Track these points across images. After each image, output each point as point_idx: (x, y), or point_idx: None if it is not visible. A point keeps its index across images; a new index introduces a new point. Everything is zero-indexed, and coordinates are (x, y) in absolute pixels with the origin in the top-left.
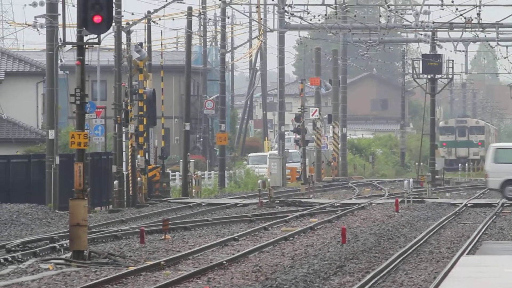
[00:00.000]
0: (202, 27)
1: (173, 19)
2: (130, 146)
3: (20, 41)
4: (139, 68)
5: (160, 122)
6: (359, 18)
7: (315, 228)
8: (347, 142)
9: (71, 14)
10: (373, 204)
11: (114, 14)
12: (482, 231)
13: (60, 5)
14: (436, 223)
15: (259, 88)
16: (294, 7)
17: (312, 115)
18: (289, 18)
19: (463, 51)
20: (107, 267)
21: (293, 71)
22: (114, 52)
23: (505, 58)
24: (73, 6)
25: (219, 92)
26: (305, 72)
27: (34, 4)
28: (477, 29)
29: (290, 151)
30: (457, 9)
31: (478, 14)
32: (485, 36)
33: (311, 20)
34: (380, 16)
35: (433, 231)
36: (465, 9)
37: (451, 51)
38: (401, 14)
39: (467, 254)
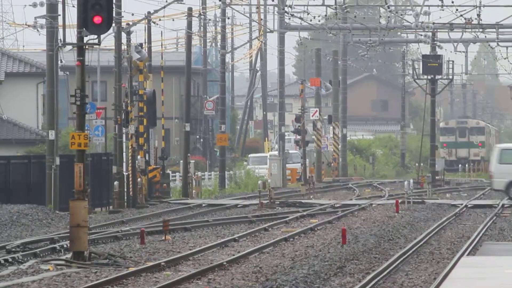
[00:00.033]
0: (202, 27)
1: (173, 20)
2: (130, 147)
3: (20, 41)
4: (139, 69)
5: (160, 122)
6: (359, 18)
7: (316, 229)
8: (347, 143)
9: (71, 15)
10: (373, 205)
11: (114, 14)
12: (482, 232)
13: (60, 6)
14: (436, 224)
15: (259, 89)
16: (294, 8)
17: (312, 116)
18: (289, 18)
19: (463, 51)
20: (108, 268)
21: (293, 71)
22: (114, 53)
23: (505, 58)
24: (73, 6)
25: (219, 93)
26: (305, 72)
27: (34, 5)
28: (477, 30)
29: (290, 151)
30: (457, 10)
31: (478, 15)
32: (485, 36)
33: (311, 20)
34: (380, 16)
35: (433, 232)
36: (465, 10)
37: (451, 51)
38: (401, 14)
39: (467, 255)
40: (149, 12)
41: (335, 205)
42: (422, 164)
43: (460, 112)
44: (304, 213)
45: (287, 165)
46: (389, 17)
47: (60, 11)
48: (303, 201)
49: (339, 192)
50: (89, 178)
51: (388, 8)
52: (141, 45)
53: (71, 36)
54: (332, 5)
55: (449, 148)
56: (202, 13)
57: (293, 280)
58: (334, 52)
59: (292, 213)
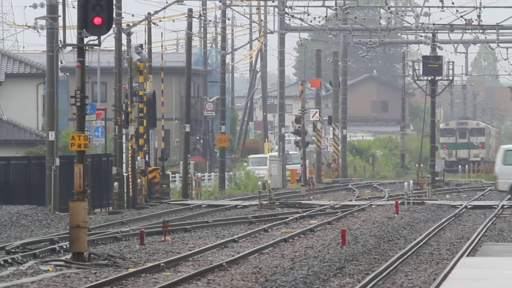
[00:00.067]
0: (202, 28)
1: (174, 21)
2: (130, 148)
3: (20, 42)
4: (139, 70)
5: (160, 123)
6: (360, 19)
7: (315, 229)
8: (347, 144)
9: (72, 16)
10: (373, 206)
11: (114, 15)
12: (482, 233)
13: (60, 7)
14: (436, 224)
15: (259, 90)
16: (294, 9)
17: (312, 117)
18: (290, 19)
19: (464, 52)
20: (107, 269)
21: (294, 72)
22: (114, 54)
23: (505, 59)
24: (74, 7)
25: (219, 94)
26: (305, 73)
27: (35, 6)
28: (477, 31)
29: (290, 152)
30: (457, 11)
31: (479, 16)
32: (486, 37)
33: (311, 21)
34: (381, 17)
35: (433, 233)
36: (465, 11)
37: (451, 52)
38: (402, 15)
39: (467, 256)
40: (149, 13)
41: (335, 206)
42: (422, 165)
43: (460, 113)
44: (304, 214)
45: (287, 166)
46: (389, 18)
47: (60, 12)
48: (302, 202)
49: (339, 193)
50: (89, 179)
51: (389, 9)
52: (141, 46)
53: (71, 37)
54: (332, 6)
55: (449, 149)
56: (202, 14)
57: (293, 280)
58: (334, 53)
59: (291, 214)
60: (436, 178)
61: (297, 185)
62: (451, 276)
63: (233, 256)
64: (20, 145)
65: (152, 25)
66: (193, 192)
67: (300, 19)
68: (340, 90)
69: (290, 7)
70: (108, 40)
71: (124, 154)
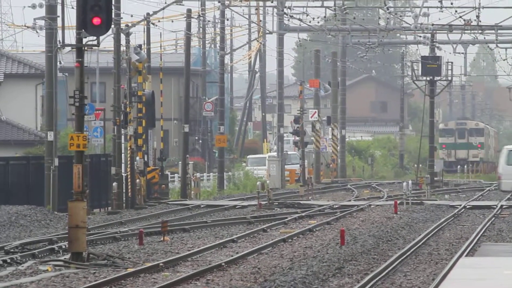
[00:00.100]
0: (201, 29)
1: (173, 21)
2: (129, 148)
3: (19, 43)
4: (138, 70)
5: (159, 124)
6: (358, 20)
7: (314, 230)
8: (346, 144)
9: (70, 16)
10: (372, 206)
11: (113, 16)
12: (480, 233)
13: (59, 7)
14: (435, 225)
15: (258, 90)
16: (293, 9)
17: (311, 117)
18: (288, 20)
19: (462, 53)
20: (106, 269)
21: (292, 73)
22: (113, 54)
23: (504, 60)
24: (72, 8)
25: (218, 94)
26: (304, 74)
27: (34, 6)
28: (476, 31)
29: (289, 153)
30: (456, 11)
31: (477, 16)
32: (484, 38)
33: (310, 22)
34: (379, 18)
35: (432, 233)
36: (464, 11)
37: (450, 53)
38: (400, 16)
39: (466, 256)
40: (148, 14)
41: (334, 206)
42: (420, 165)
43: (459, 114)
44: (303, 214)
45: (285, 166)
46: (388, 18)
47: (59, 13)
48: (301, 202)
49: (338, 193)
50: (87, 179)
51: (387, 9)
52: (140, 46)
53: (70, 37)
54: (331, 7)
55: (448, 149)
56: (201, 15)
57: (292, 281)
58: (333, 53)
59: (290, 214)
60: (435, 178)
61: (296, 185)
62: (450, 276)
63: (232, 256)
64: (19, 145)
65: (151, 25)
66: (192, 192)
67: (299, 19)
68: (339, 91)
69: (289, 8)
70: (107, 41)
71: (123, 154)
